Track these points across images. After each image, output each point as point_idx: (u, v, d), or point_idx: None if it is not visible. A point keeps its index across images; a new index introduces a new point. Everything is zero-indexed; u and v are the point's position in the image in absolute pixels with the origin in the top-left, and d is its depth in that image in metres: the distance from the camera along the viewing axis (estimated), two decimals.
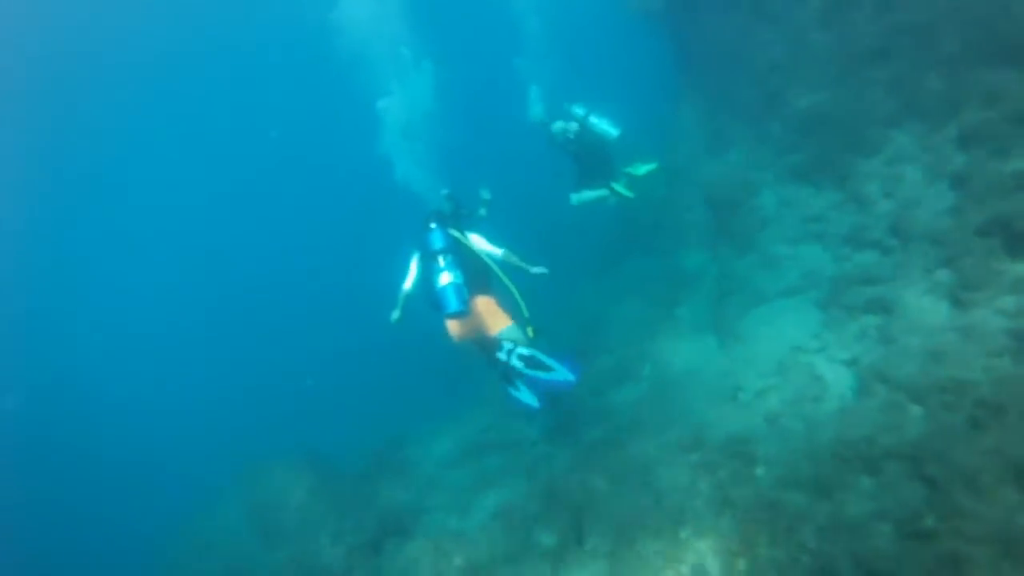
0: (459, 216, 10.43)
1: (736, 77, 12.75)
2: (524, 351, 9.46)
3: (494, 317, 9.98)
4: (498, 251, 10.09)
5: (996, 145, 8.53)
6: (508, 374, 9.88)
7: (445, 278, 9.39)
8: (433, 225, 9.90)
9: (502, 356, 9.60)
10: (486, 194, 11.18)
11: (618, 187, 13.41)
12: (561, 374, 9.23)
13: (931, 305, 7.99)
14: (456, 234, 9.88)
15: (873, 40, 10.45)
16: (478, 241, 10.09)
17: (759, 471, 7.50)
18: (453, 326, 9.92)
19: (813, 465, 6.98)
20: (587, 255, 17.95)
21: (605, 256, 16.72)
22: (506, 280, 9.90)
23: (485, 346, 10.15)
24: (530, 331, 9.90)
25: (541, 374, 9.30)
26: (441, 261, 9.48)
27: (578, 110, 13.42)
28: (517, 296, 9.92)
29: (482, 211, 11.13)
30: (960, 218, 8.33)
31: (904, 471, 6.15)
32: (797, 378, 8.55)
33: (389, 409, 19.10)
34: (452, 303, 9.36)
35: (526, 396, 10.24)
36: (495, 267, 9.89)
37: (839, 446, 6.89)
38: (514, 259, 10.07)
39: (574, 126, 13.25)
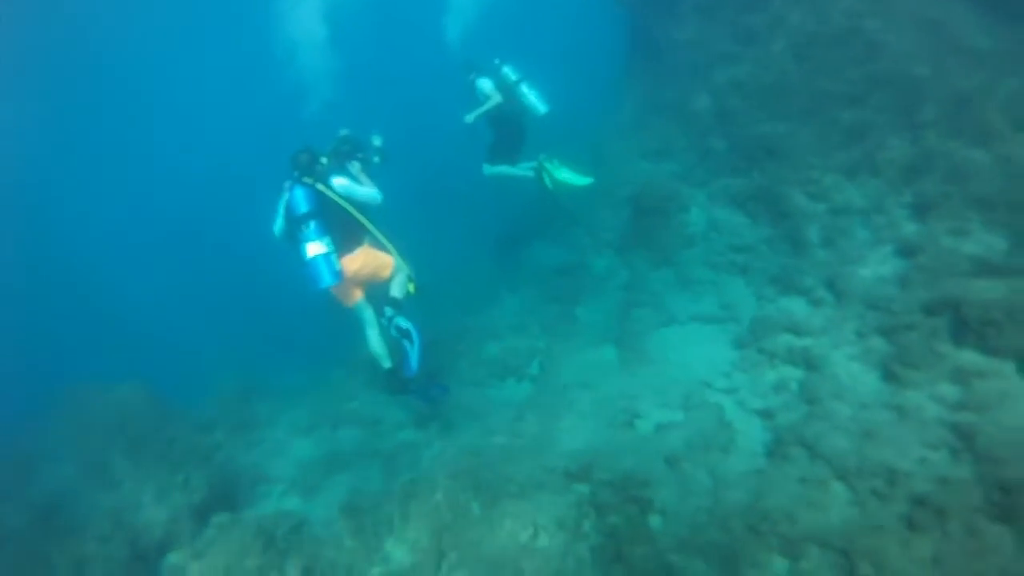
0: (316, 167, 9.88)
1: (691, 86, 12.44)
2: (402, 324, 9.74)
3: (378, 263, 10.03)
4: (371, 190, 9.88)
5: (954, 224, 8.42)
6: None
7: (313, 248, 9.17)
8: (289, 184, 9.58)
9: (384, 317, 9.89)
10: (377, 140, 10.90)
11: (545, 176, 12.93)
12: (409, 361, 9.70)
13: (861, 373, 7.73)
14: (320, 187, 9.47)
15: (850, 85, 10.29)
16: (344, 183, 9.69)
17: (655, 521, 6.99)
18: (340, 292, 9.79)
19: (720, 531, 6.44)
20: (487, 229, 17.49)
21: (507, 235, 16.24)
22: (379, 236, 9.81)
23: (378, 295, 10.12)
24: (411, 287, 10.01)
25: (405, 345, 9.79)
26: (306, 228, 9.21)
27: (510, 73, 12.97)
28: (393, 252, 10.03)
29: (375, 159, 10.84)
30: (906, 290, 8.11)
31: (830, 562, 5.76)
32: (703, 419, 8.16)
33: (246, 356, 18.47)
34: (324, 277, 9.22)
35: (414, 356, 9.96)
36: (366, 222, 9.74)
37: (753, 515, 6.41)
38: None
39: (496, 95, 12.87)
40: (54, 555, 11.32)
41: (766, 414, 7.89)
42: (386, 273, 10.11)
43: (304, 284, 9.34)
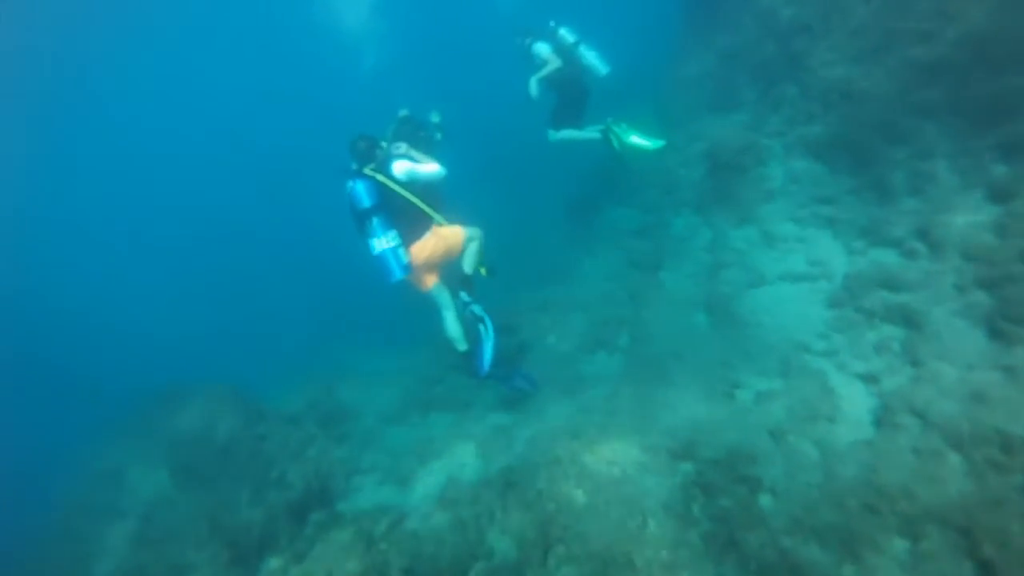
0: (376, 152, 10.09)
1: (755, 31, 12.28)
2: (477, 311, 10.16)
3: (449, 242, 10.16)
4: (432, 167, 9.92)
5: None
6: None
7: (379, 244, 9.42)
8: (351, 182, 9.64)
9: (462, 298, 10.25)
10: (435, 117, 11.21)
11: (613, 138, 12.87)
12: (481, 359, 10.09)
13: (966, 329, 7.66)
14: (381, 179, 9.58)
15: (922, 21, 9.99)
16: (404, 168, 9.73)
17: (765, 502, 6.98)
18: (414, 279, 9.98)
19: (835, 510, 6.44)
20: (559, 196, 17.44)
21: (580, 200, 16.18)
22: (440, 220, 10.02)
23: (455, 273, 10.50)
24: (483, 270, 10.19)
25: (480, 332, 10.28)
26: (370, 223, 9.44)
27: (567, 36, 12.92)
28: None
29: (437, 135, 11.17)
30: (1003, 238, 7.99)
31: (950, 543, 5.75)
32: (805, 386, 8.15)
33: (327, 344, 18.70)
34: (393, 272, 9.48)
35: (488, 349, 10.30)
36: (429, 210, 9.87)
37: (868, 491, 6.42)
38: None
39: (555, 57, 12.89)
40: (151, 566, 11.52)
41: (870, 378, 7.86)
42: (459, 248, 10.26)
43: (375, 276, 9.59)
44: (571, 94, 13.26)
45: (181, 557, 11.38)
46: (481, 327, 10.37)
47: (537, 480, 8.11)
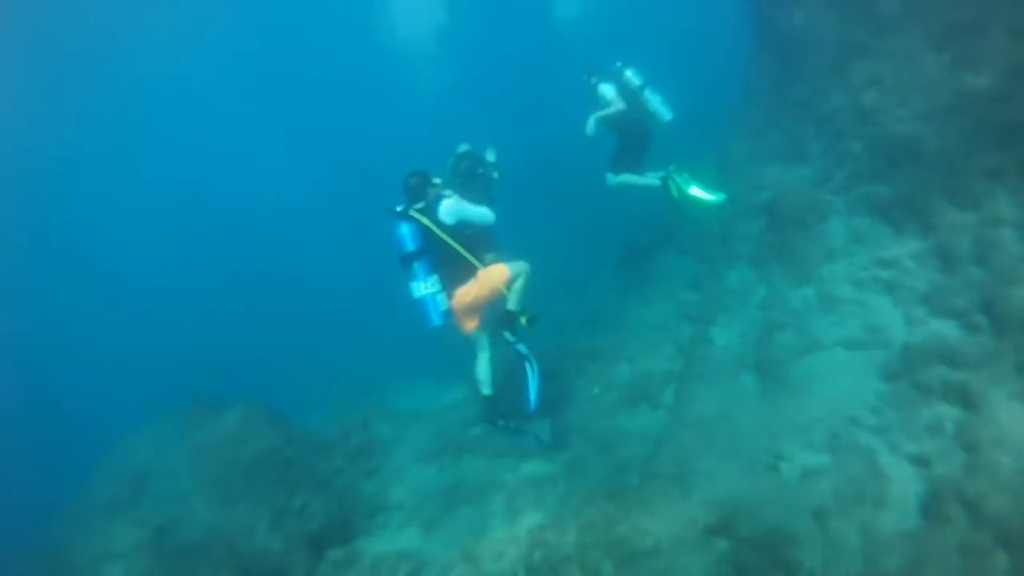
0: (428, 190, 10.08)
1: (824, 81, 12.02)
2: (523, 350, 10.21)
3: (494, 283, 10.12)
4: (480, 211, 10.15)
5: None
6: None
7: (420, 289, 9.69)
8: (397, 223, 9.80)
9: (507, 338, 10.37)
10: (491, 155, 11.27)
11: (672, 186, 12.70)
12: (527, 396, 10.29)
13: None
14: (426, 223, 9.68)
15: (997, 81, 9.71)
16: (451, 210, 9.79)
17: None
18: (456, 321, 10.09)
19: None
20: (615, 239, 17.29)
21: (636, 245, 16.01)
22: (476, 264, 9.97)
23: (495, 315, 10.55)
24: (524, 319, 10.02)
25: (527, 371, 10.35)
26: (412, 267, 9.68)
27: (634, 78, 12.79)
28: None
29: (495, 174, 11.20)
30: None
31: None
32: (853, 464, 7.86)
33: (366, 373, 18.69)
34: (431, 318, 9.79)
35: (534, 386, 10.33)
36: (472, 259, 9.88)
37: None
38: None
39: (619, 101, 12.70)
40: None
41: (921, 461, 7.52)
42: (503, 287, 10.17)
43: (414, 319, 9.87)
44: (633, 138, 13.18)
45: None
46: (527, 365, 10.37)
47: (564, 545, 7.94)
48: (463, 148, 11.64)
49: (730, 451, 9.04)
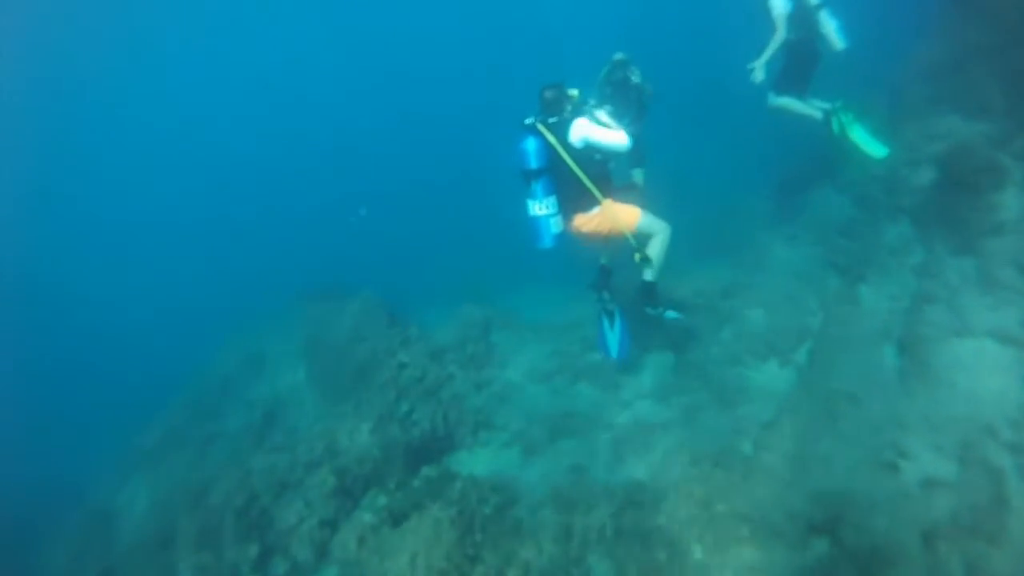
0: (564, 104, 9.64)
1: (1017, 32, 11.32)
2: (612, 308, 10.66)
3: (619, 224, 9.86)
4: (615, 136, 9.35)
5: None
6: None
7: (536, 208, 9.54)
8: (524, 136, 9.49)
9: (604, 297, 10.86)
10: (635, 76, 10.89)
11: (835, 122, 12.27)
12: (612, 347, 10.74)
13: None
14: (552, 140, 9.32)
15: None
16: (584, 131, 9.34)
17: None
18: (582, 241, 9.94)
19: None
20: (774, 166, 16.81)
21: (794, 176, 15.57)
22: (598, 197, 9.60)
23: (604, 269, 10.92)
24: (637, 257, 10.05)
25: (606, 328, 10.80)
26: (532, 185, 9.48)
27: None
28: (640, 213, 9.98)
29: (649, 87, 10.97)
30: None
31: None
32: (978, 485, 7.53)
33: (490, 277, 18.83)
34: (542, 239, 9.66)
35: (613, 340, 10.83)
36: (593, 189, 9.51)
37: None
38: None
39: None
40: (257, 473, 11.99)
41: None
42: (628, 230, 9.91)
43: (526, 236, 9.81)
44: (801, 59, 12.74)
45: (290, 473, 11.71)
46: (606, 320, 10.71)
47: (660, 513, 7.89)
48: (619, 56, 11.26)
49: (854, 436, 8.80)
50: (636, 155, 10.40)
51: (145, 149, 43.36)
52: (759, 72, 12.40)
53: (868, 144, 12.41)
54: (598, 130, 9.28)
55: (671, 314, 10.30)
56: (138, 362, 25.77)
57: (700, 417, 10.39)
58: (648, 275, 10.13)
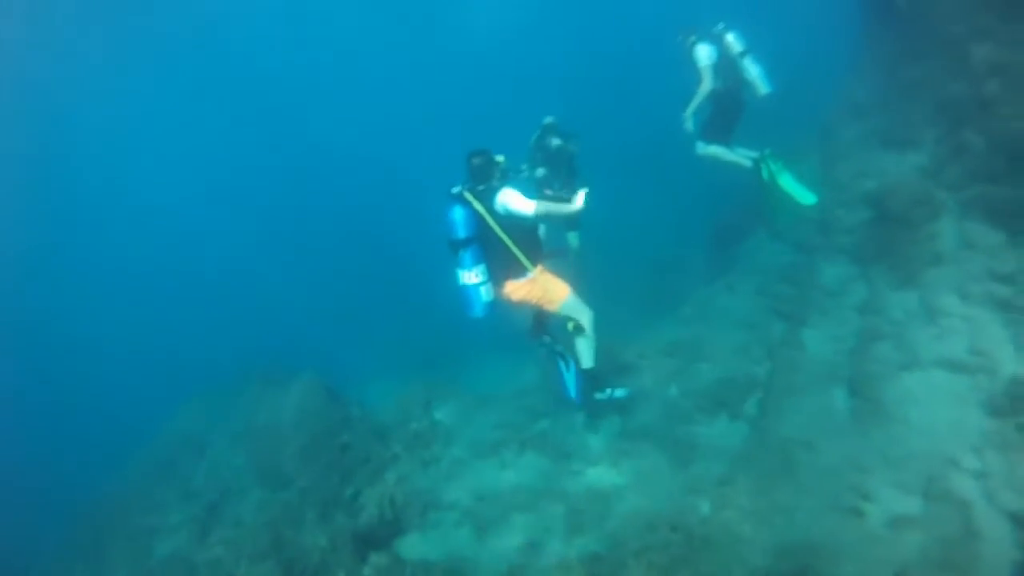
0: (492, 171, 9.58)
1: (943, 65, 11.33)
2: (560, 349, 10.63)
3: (547, 297, 9.91)
4: (527, 205, 9.15)
5: None
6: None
7: (465, 277, 9.48)
8: (451, 205, 9.48)
9: (545, 341, 10.71)
10: (555, 140, 11.42)
11: (764, 170, 12.24)
12: (569, 390, 10.51)
13: None
14: (479, 209, 9.28)
15: None
16: (505, 199, 9.24)
17: None
18: (510, 297, 9.86)
19: None
20: (703, 216, 16.82)
21: (728, 225, 15.58)
22: (527, 265, 9.58)
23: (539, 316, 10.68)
24: (571, 325, 10.15)
25: (563, 370, 10.54)
26: (461, 253, 9.42)
27: (735, 43, 12.42)
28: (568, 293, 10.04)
29: (573, 148, 11.58)
30: None
31: None
32: (945, 519, 7.44)
33: (430, 347, 18.71)
34: (473, 308, 9.65)
35: (571, 381, 10.54)
36: (522, 257, 9.49)
37: None
38: (551, 208, 9.23)
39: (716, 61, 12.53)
40: (200, 566, 11.87)
41: (1020, 520, 7.08)
42: (554, 308, 10.03)
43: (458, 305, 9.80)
44: (727, 108, 12.84)
45: (236, 567, 11.42)
46: (561, 362, 10.56)
47: None
48: (548, 120, 11.59)
49: (813, 483, 8.68)
50: (571, 218, 10.17)
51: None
52: (688, 122, 12.61)
53: (797, 191, 12.48)
54: (516, 198, 9.22)
55: (620, 392, 10.40)
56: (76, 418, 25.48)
57: (654, 480, 10.18)
58: (584, 362, 10.22)
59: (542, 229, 11.16)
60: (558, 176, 11.95)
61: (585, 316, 10.03)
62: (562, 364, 10.69)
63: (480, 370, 16.34)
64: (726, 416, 11.01)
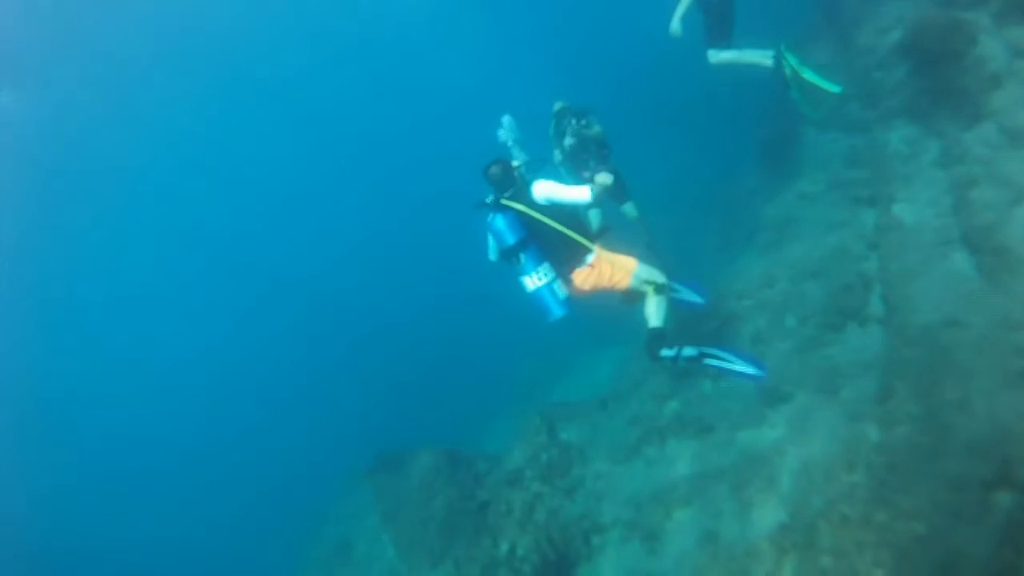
0: (513, 176, 9.20)
1: None
2: (690, 352, 8.97)
3: (615, 277, 9.21)
4: (582, 192, 8.78)
5: None
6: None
7: (531, 282, 8.92)
8: (491, 216, 9.04)
9: (665, 355, 9.06)
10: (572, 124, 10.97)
11: (786, 65, 11.74)
12: (748, 366, 8.97)
13: None
14: (521, 208, 8.84)
15: None
16: (546, 190, 8.88)
17: None
18: (582, 289, 9.24)
19: None
20: (742, 128, 16.10)
21: (766, 135, 14.98)
22: (588, 245, 9.07)
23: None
24: (650, 289, 9.30)
25: (726, 363, 9.05)
26: (519, 260, 8.90)
27: None
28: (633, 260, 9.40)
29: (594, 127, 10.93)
30: None
31: None
32: None
33: (529, 372, 18.21)
34: (551, 310, 9.02)
35: (746, 367, 9.11)
36: (581, 239, 9.00)
37: None
38: (601, 187, 8.89)
39: None
40: None
41: None
42: (624, 284, 9.28)
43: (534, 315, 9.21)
44: (713, 6, 12.16)
45: None
46: (715, 362, 9.14)
47: (822, 553, 7.30)
48: (558, 106, 11.29)
49: (974, 362, 7.79)
50: (620, 191, 10.43)
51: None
52: (676, 27, 11.90)
53: (821, 80, 11.67)
54: (560, 188, 8.90)
55: (689, 350, 9.06)
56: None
57: (809, 422, 9.35)
58: (653, 321, 9.25)
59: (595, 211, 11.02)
60: (591, 158, 11.46)
61: (659, 278, 9.45)
62: (720, 359, 9.23)
63: (583, 375, 16.05)
64: (855, 326, 10.13)
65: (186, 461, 32.14)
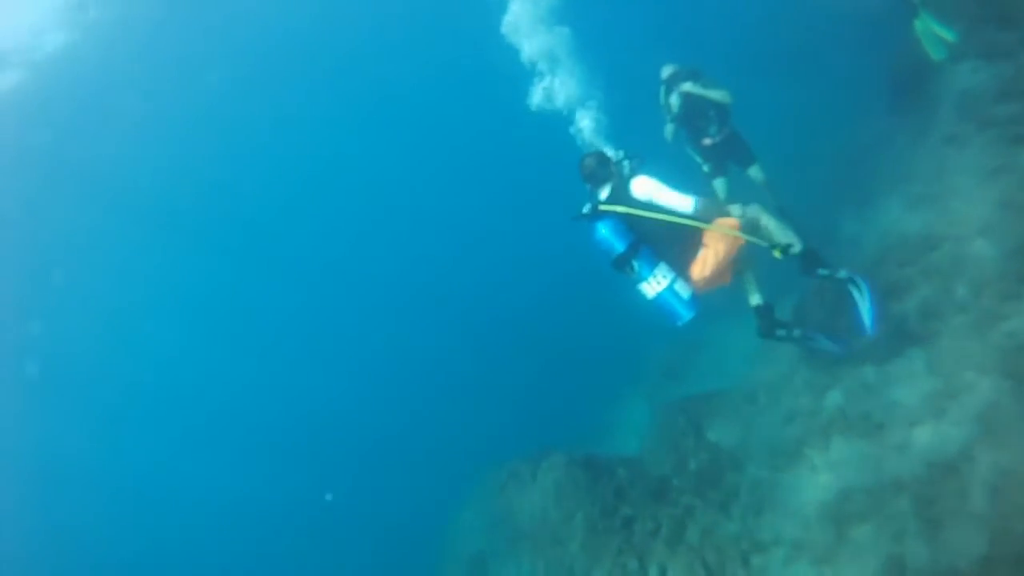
0: (609, 168, 9.02)
1: None
2: (844, 275, 9.30)
3: (729, 240, 8.86)
4: (685, 202, 8.63)
5: None
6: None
7: (651, 287, 8.65)
8: (593, 225, 8.81)
9: (820, 273, 9.26)
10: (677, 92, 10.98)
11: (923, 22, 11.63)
12: (864, 319, 9.05)
13: None
14: (622, 210, 8.58)
15: None
16: (647, 189, 8.66)
17: None
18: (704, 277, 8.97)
19: None
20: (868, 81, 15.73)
21: (898, 76, 14.19)
22: (701, 224, 8.68)
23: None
24: (777, 252, 8.94)
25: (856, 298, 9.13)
26: (632, 269, 8.62)
27: None
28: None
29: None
30: None
31: None
32: None
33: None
34: (679, 313, 8.80)
35: (866, 308, 9.20)
36: (693, 222, 8.63)
37: None
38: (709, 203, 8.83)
39: None
40: None
41: None
42: (741, 235, 8.91)
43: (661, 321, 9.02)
44: None
45: None
46: (854, 290, 9.25)
47: None
48: (667, 72, 11.02)
49: None
50: (743, 153, 10.55)
51: None
52: None
53: (942, 28, 11.65)
54: (664, 191, 8.68)
55: (843, 273, 9.15)
56: None
57: (1000, 417, 7.96)
58: (796, 248, 9.03)
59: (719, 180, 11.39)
60: (710, 123, 11.13)
61: (758, 210, 9.35)
62: (855, 291, 9.26)
63: (715, 350, 15.71)
64: None
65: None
